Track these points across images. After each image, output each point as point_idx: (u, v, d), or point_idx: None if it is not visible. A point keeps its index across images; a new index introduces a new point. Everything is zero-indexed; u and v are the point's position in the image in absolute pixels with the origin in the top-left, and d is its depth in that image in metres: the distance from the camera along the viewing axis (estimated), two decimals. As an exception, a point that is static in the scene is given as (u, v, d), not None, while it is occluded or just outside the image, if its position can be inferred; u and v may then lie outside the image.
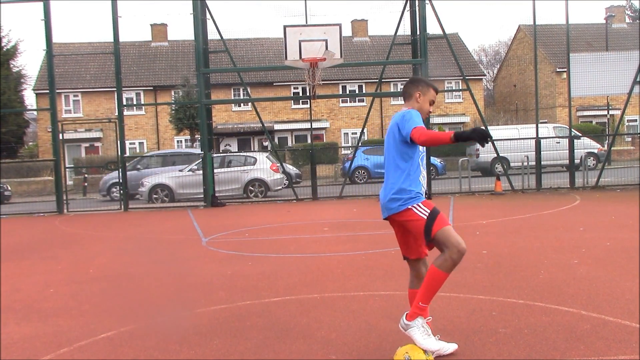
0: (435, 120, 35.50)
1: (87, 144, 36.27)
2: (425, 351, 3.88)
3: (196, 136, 31.17)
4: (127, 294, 6.40)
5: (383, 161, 4.19)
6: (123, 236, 11.61)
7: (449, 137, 3.69)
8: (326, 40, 14.44)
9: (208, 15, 16.54)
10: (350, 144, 35.92)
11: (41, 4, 16.19)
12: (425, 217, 3.92)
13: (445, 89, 36.93)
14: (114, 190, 20.54)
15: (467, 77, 17.60)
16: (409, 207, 3.97)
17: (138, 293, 6.44)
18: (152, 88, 36.94)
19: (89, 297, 6.29)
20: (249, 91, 19.64)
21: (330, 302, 5.55)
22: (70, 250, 9.88)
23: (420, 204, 4.01)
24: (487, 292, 5.64)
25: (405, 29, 17.48)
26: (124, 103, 25.64)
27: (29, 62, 51.30)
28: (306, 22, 16.28)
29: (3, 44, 35.58)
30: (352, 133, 37.67)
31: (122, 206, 16.60)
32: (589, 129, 31.96)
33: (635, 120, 35.90)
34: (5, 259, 8.95)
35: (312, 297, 5.80)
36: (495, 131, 19.65)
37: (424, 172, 4.18)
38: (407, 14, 17.05)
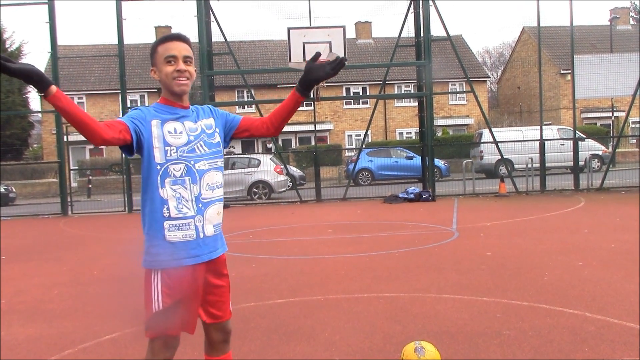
0: (439, 122, 35.48)
1: (91, 146, 36.37)
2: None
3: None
4: (131, 296, 6.39)
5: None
6: (127, 238, 11.62)
7: None
8: (330, 42, 14.45)
9: (212, 18, 16.57)
10: (354, 146, 35.91)
11: (46, 6, 16.25)
12: (153, 310, 2.73)
13: (449, 90, 36.96)
14: None
15: (471, 79, 17.58)
16: (147, 268, 2.75)
17: (142, 295, 6.44)
18: (156, 90, 36.99)
19: (93, 299, 6.30)
20: (253, 93, 19.65)
21: (334, 304, 5.55)
22: (75, 251, 9.90)
23: (161, 277, 2.70)
24: (491, 294, 5.63)
25: (409, 31, 17.50)
26: (128, 105, 25.64)
27: (34, 65, 51.27)
28: (310, 24, 16.29)
29: (7, 46, 35.72)
30: (356, 135, 37.65)
31: (127, 208, 16.63)
32: (594, 130, 31.90)
33: (640, 122, 35.82)
34: (9, 261, 8.97)
35: (316, 299, 5.80)
36: (499, 133, 19.61)
37: (184, 193, 2.68)
38: (410, 16, 17.08)
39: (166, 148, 2.65)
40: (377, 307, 5.38)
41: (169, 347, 2.77)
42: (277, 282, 6.64)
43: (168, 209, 2.66)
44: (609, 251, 7.53)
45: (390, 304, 5.48)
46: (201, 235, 2.73)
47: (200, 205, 2.72)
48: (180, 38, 2.76)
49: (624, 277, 6.08)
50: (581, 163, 17.70)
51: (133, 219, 15.37)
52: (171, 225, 2.67)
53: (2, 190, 22.58)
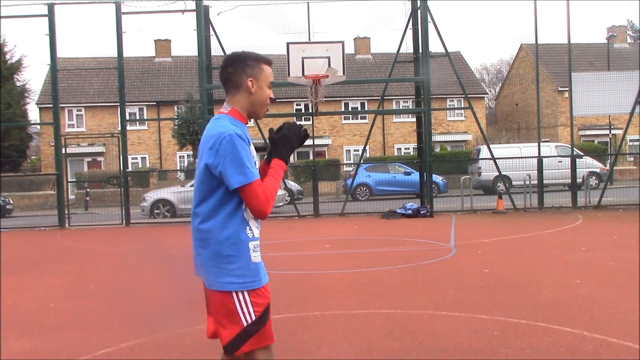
0: (437, 138, 35.55)
1: (89, 159, 36.35)
2: None
3: (198, 152, 31.17)
4: (128, 310, 6.38)
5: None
6: (124, 251, 11.59)
7: (282, 169, 2.71)
8: (329, 58, 14.49)
9: (212, 32, 16.63)
10: (352, 161, 35.94)
11: (46, 19, 16.32)
12: (244, 324, 2.66)
13: (448, 106, 37.06)
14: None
15: (469, 96, 17.66)
16: (231, 291, 2.63)
17: (138, 309, 6.42)
18: (155, 103, 37.08)
19: (89, 313, 6.26)
20: (252, 107, 19.69)
21: (331, 320, 5.53)
22: (71, 264, 9.86)
23: (248, 294, 2.68)
24: (489, 311, 5.61)
25: (408, 47, 17.57)
26: (127, 118, 25.67)
27: (33, 77, 51.47)
28: (309, 39, 16.38)
29: (7, 59, 35.83)
30: (354, 150, 37.71)
31: (124, 221, 16.59)
32: (591, 148, 31.99)
33: (637, 140, 35.83)
34: (6, 273, 8.93)
35: (313, 314, 5.77)
36: (497, 150, 19.67)
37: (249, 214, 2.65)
38: (409, 32, 17.15)
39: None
40: (375, 324, 5.35)
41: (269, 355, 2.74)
42: (274, 297, 6.57)
43: (251, 229, 2.66)
44: (606, 269, 7.51)
45: (388, 320, 5.46)
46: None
47: (259, 227, 2.78)
48: None
49: (622, 295, 6.06)
50: (579, 180, 17.71)
51: (130, 232, 15.33)
52: (255, 246, 2.69)
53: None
